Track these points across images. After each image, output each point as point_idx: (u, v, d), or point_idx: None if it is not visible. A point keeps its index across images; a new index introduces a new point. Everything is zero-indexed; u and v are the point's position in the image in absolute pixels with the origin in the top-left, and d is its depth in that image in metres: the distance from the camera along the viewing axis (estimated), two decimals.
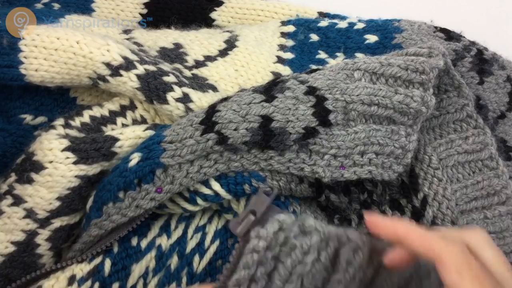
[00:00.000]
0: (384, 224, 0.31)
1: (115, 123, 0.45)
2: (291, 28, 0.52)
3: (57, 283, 0.38)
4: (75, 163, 0.40)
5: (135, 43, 0.49)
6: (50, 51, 0.43)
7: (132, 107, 0.46)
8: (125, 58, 0.43)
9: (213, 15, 0.55)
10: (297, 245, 0.28)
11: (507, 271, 0.30)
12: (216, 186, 0.40)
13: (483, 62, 0.49)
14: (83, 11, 0.54)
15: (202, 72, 0.47)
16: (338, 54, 0.51)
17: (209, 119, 0.40)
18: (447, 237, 0.30)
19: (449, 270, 0.28)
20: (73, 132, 0.43)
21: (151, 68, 0.43)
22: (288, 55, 0.50)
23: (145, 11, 0.55)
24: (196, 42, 0.50)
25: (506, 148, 0.48)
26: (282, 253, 0.28)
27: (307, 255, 0.28)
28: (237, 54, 0.49)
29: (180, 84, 0.44)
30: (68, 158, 0.40)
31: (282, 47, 0.50)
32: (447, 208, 0.41)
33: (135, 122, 0.45)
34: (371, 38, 0.51)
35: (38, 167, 0.40)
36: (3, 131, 0.45)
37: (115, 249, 0.40)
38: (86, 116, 0.44)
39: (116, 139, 0.41)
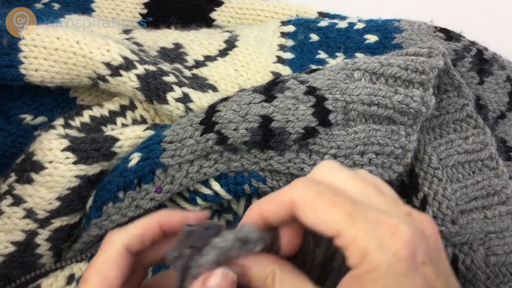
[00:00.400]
0: (247, 216, 0.28)
1: (115, 123, 0.45)
2: (291, 28, 0.52)
3: (56, 282, 0.38)
4: (75, 163, 0.40)
5: (135, 43, 0.49)
6: (50, 51, 0.43)
7: (132, 107, 0.46)
8: (125, 58, 0.43)
9: (213, 15, 0.55)
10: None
11: (361, 189, 0.26)
12: (216, 186, 0.40)
13: (483, 62, 0.49)
14: (83, 11, 0.54)
15: (202, 72, 0.47)
16: (338, 54, 0.51)
17: (209, 119, 0.40)
18: (292, 184, 0.27)
19: (304, 211, 0.25)
20: (73, 132, 0.43)
21: (151, 68, 0.43)
22: (288, 55, 0.50)
23: (145, 11, 0.55)
24: (196, 42, 0.50)
25: (506, 148, 0.48)
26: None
27: None
28: (237, 54, 0.49)
29: (180, 84, 0.44)
30: (68, 158, 0.40)
31: (282, 47, 0.50)
32: (447, 208, 0.41)
33: (135, 122, 0.45)
34: (371, 38, 0.51)
35: (38, 167, 0.40)
36: (3, 131, 0.45)
37: None
38: (86, 116, 0.44)
39: (116, 139, 0.41)
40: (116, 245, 0.29)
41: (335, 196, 0.25)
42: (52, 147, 0.40)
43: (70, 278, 0.39)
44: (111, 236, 0.30)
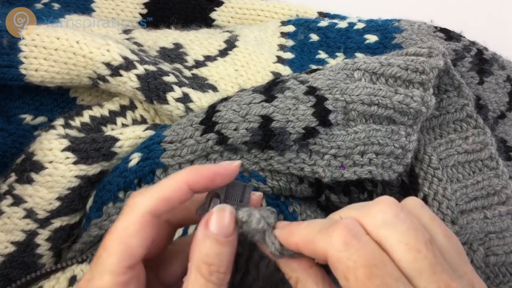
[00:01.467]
0: (283, 240, 0.26)
1: (115, 123, 0.45)
2: (291, 28, 0.52)
3: (58, 284, 0.38)
4: (75, 163, 0.40)
5: (135, 43, 0.49)
6: (50, 51, 0.43)
7: (132, 107, 0.46)
8: (125, 58, 0.43)
9: (213, 15, 0.55)
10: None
11: (414, 263, 0.23)
12: None
13: (483, 62, 0.49)
14: (83, 11, 0.54)
15: (202, 72, 0.47)
16: (338, 54, 0.51)
17: (209, 119, 0.40)
18: (329, 227, 0.24)
19: (335, 272, 0.23)
20: (73, 132, 0.43)
21: (151, 68, 0.43)
22: (288, 55, 0.50)
23: (145, 11, 0.55)
24: (196, 42, 0.50)
25: (506, 148, 0.48)
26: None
27: None
28: (237, 54, 0.49)
29: (180, 84, 0.44)
30: (68, 158, 0.40)
31: (282, 47, 0.50)
32: (447, 208, 0.41)
33: (135, 122, 0.45)
34: (371, 38, 0.51)
35: (38, 167, 0.40)
36: (3, 131, 0.44)
37: None
38: (86, 116, 0.44)
39: (116, 139, 0.41)
40: (140, 210, 0.26)
41: (372, 275, 0.22)
42: (52, 147, 0.40)
43: (72, 280, 0.38)
44: (135, 199, 0.26)
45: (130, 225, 0.26)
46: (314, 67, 0.48)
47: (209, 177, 0.27)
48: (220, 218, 0.26)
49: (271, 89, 0.41)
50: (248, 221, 0.27)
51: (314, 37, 0.51)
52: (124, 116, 0.45)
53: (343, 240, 0.23)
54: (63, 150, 0.40)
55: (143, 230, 0.26)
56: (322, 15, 0.55)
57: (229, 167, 0.28)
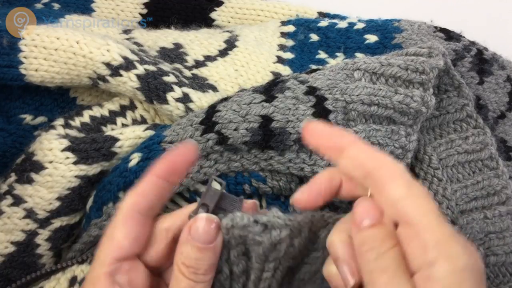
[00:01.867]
0: (326, 133, 0.28)
1: (115, 123, 0.45)
2: (291, 28, 0.52)
3: (58, 285, 0.38)
4: (75, 163, 0.40)
5: (135, 43, 0.49)
6: (50, 51, 0.43)
7: (132, 107, 0.46)
8: (125, 58, 0.43)
9: (213, 15, 0.55)
10: (264, 240, 0.28)
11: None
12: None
13: (483, 62, 0.49)
14: (83, 11, 0.54)
15: (202, 72, 0.47)
16: (338, 54, 0.51)
17: (209, 119, 0.40)
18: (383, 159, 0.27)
19: (412, 215, 0.25)
20: (73, 132, 0.43)
21: (151, 68, 0.43)
22: (288, 55, 0.50)
23: (145, 11, 0.55)
24: (196, 42, 0.50)
25: (506, 148, 0.48)
26: (249, 247, 0.29)
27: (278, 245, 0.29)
28: (237, 54, 0.49)
29: (180, 84, 0.44)
30: (68, 158, 0.40)
31: (282, 47, 0.50)
32: (447, 208, 0.41)
33: (135, 122, 0.45)
34: (371, 38, 0.51)
35: (38, 167, 0.40)
36: (3, 131, 0.45)
37: None
38: (86, 116, 0.44)
39: (116, 139, 0.41)
40: (124, 207, 0.30)
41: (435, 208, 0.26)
42: (52, 147, 0.40)
43: (72, 281, 0.38)
44: (123, 200, 0.30)
45: (116, 221, 0.29)
46: (314, 67, 0.48)
47: (170, 160, 0.30)
48: (200, 225, 0.28)
49: (271, 89, 0.41)
50: (234, 224, 0.28)
51: (314, 37, 0.51)
52: (124, 116, 0.45)
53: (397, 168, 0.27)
54: (63, 150, 0.40)
55: (126, 224, 0.29)
56: (322, 15, 0.55)
57: (184, 145, 0.31)
